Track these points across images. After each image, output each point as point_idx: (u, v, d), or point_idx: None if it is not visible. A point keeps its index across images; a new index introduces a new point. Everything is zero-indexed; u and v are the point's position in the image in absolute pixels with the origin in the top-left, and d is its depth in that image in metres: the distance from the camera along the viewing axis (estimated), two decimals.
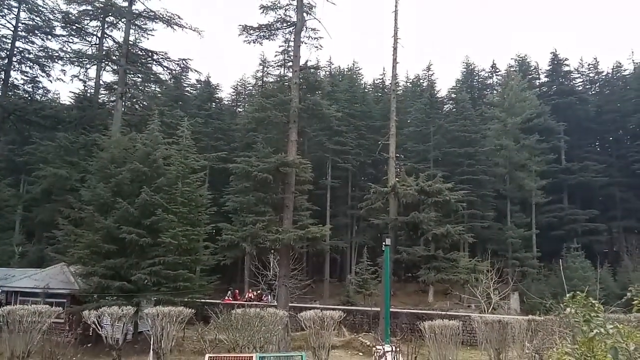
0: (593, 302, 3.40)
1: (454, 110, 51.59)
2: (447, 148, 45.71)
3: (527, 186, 42.92)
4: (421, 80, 60.98)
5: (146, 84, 42.79)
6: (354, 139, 47.80)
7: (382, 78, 60.69)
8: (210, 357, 8.10)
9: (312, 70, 31.41)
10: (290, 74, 29.97)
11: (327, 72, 56.83)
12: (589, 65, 60.10)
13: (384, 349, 10.62)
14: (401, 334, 21.91)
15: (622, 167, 49.75)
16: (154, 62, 38.75)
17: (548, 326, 10.85)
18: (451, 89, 60.94)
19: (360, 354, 19.45)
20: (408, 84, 64.06)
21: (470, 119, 47.36)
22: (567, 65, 57.37)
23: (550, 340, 7.91)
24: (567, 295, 3.71)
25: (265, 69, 55.24)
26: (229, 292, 33.73)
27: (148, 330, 15.79)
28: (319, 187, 45.93)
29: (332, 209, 46.15)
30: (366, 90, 60.28)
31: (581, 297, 3.42)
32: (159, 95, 45.09)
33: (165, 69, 38.78)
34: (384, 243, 16.35)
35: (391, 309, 24.32)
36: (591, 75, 60.37)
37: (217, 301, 25.16)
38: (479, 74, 64.73)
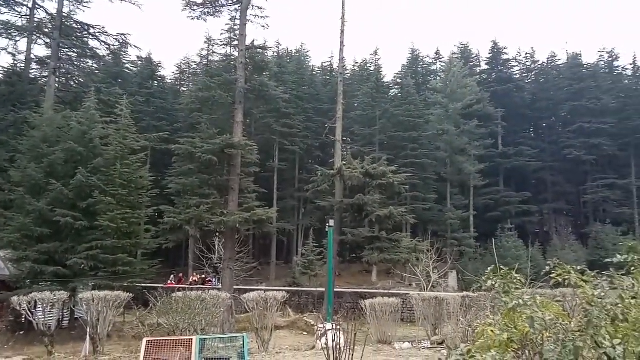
0: (515, 275, 3.61)
1: (400, 95, 52.56)
2: (393, 132, 46.60)
3: (466, 170, 44.77)
4: (368, 65, 61.54)
5: (82, 60, 40.43)
6: (301, 121, 47.66)
7: (330, 61, 60.79)
8: (148, 340, 7.91)
9: (259, 50, 30.86)
10: (236, 54, 29.26)
11: (275, 54, 56.06)
12: (526, 54, 63.01)
13: (325, 327, 10.85)
14: (345, 313, 22.42)
15: (553, 152, 52.86)
16: (91, 36, 36.65)
17: (481, 301, 11.47)
18: (397, 74, 62.04)
19: (305, 333, 19.72)
20: (355, 68, 64.47)
21: (415, 104, 48.45)
22: (506, 54, 59.83)
23: (482, 314, 8.35)
24: (489, 269, 3.91)
25: (210, 47, 53.57)
26: (172, 276, 33.04)
27: (85, 317, 15.21)
28: (266, 170, 45.60)
29: (279, 192, 46.06)
30: (314, 72, 60.15)
31: (505, 272, 3.63)
32: (96, 71, 42.74)
33: (103, 43, 36.83)
34: (327, 225, 16.53)
35: (335, 289, 24.81)
36: (528, 64, 63.34)
37: (160, 285, 24.55)
38: (424, 60, 66.16)
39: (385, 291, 24.51)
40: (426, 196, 44.32)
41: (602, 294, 3.05)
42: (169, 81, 56.82)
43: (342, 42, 28.59)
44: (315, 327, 12.32)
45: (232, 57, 38.05)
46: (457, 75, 48.25)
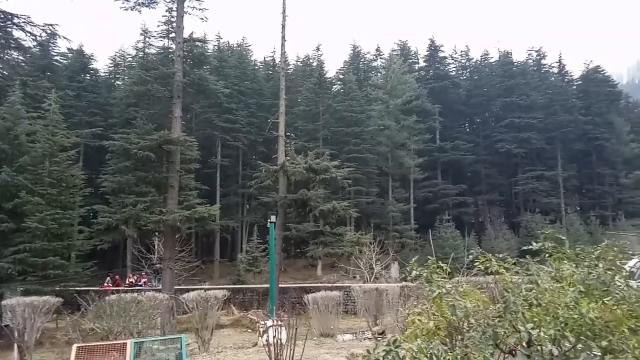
0: (441, 265, 3.74)
1: (342, 90, 53.08)
2: (336, 127, 47.00)
3: (406, 164, 46.03)
4: (311, 60, 61.61)
5: (5, 51, 37.57)
6: (244, 116, 47.00)
7: (273, 56, 60.33)
8: (79, 347, 7.50)
9: (197, 43, 30.08)
10: (174, 47, 28.32)
11: (216, 47, 54.83)
12: (461, 52, 65.68)
13: (266, 324, 10.79)
14: (289, 308, 22.47)
15: (487, 146, 55.48)
16: (15, 27, 34.02)
17: (419, 291, 11.83)
18: (339, 70, 62.53)
19: (249, 330, 19.56)
20: (298, 63, 64.40)
21: (357, 99, 49.11)
22: (443, 52, 62.05)
23: (419, 303, 8.62)
24: (412, 259, 4.03)
25: (147, 39, 51.43)
26: (109, 278, 31.58)
27: (12, 324, 14.22)
28: (209, 166, 44.67)
29: (222, 188, 45.29)
30: (257, 67, 59.42)
31: (431, 261, 3.74)
32: (22, 64, 39.89)
33: (28, 34, 34.22)
34: (269, 221, 16.44)
35: (280, 285, 24.78)
36: (463, 61, 66.06)
37: (95, 288, 23.42)
38: (365, 56, 67.23)
39: (330, 285, 24.76)
40: (369, 190, 45.14)
41: (519, 280, 3.24)
42: (103, 74, 54.04)
43: (283, 37, 28.39)
44: (257, 325, 12.25)
45: (170, 50, 36.87)
46: (397, 72, 49.44)
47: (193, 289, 19.65)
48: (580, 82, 61.18)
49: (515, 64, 60.18)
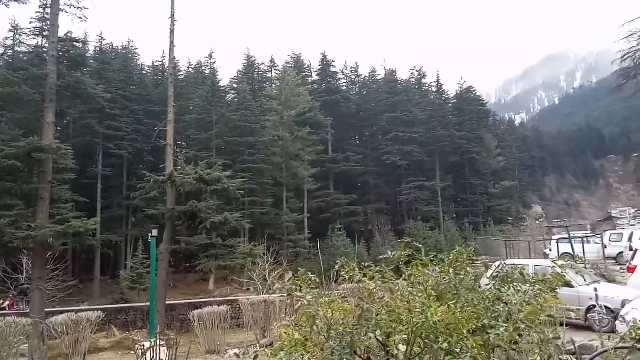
0: (311, 276, 3.84)
1: (236, 100, 52.59)
2: (230, 137, 46.30)
3: (300, 174, 46.81)
4: (203, 67, 60.22)
5: None
6: (130, 123, 44.38)
7: (162, 61, 57.75)
8: None
9: (75, 43, 27.73)
10: (48, 46, 25.81)
11: (97, 49, 51.12)
12: (351, 68, 68.85)
13: (144, 345, 10.18)
14: (177, 326, 21.47)
15: (375, 158, 58.57)
16: None
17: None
18: (233, 79, 62.01)
19: (132, 352, 18.23)
20: (190, 70, 62.52)
21: (251, 109, 48.96)
22: (334, 67, 64.53)
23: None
24: (290, 273, 4.10)
25: (17, 37, 46.38)
26: None
27: None
28: (89, 176, 41.39)
29: (104, 200, 42.09)
30: (144, 72, 56.55)
31: (301, 273, 3.83)
32: None
33: None
34: (150, 235, 15.60)
35: (168, 301, 23.57)
36: (353, 77, 69.30)
37: None
38: (259, 67, 67.44)
39: (221, 299, 24.13)
40: (263, 200, 45.05)
41: (377, 289, 3.45)
42: None
43: (172, 42, 27.25)
44: (136, 346, 11.49)
45: (44, 50, 33.58)
46: (291, 84, 50.24)
47: (66, 311, 17.92)
48: (455, 100, 67.55)
49: (400, 82, 64.57)
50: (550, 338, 3.29)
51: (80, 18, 26.64)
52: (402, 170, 56.40)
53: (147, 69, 58.73)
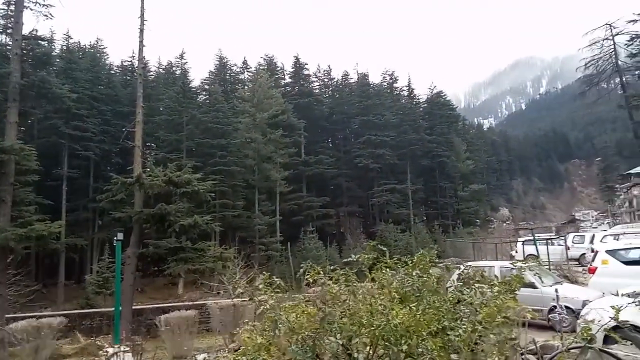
0: (275, 280, 3.82)
1: (208, 101, 52.02)
2: (200, 139, 45.73)
3: (272, 177, 46.60)
4: (174, 68, 59.33)
5: None
6: (97, 124, 43.28)
7: (132, 61, 56.59)
8: None
9: (40, 41, 27.03)
10: (11, 44, 24.94)
11: (64, 47, 49.71)
12: (324, 71, 69.09)
13: (108, 351, 9.92)
14: (144, 331, 21.02)
15: (347, 160, 58.86)
16: None
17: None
18: (204, 80, 61.32)
19: (96, 358, 17.78)
20: (161, 70, 61.49)
21: (223, 111, 48.52)
22: (307, 69, 64.59)
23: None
24: (261, 276, 4.08)
25: None
26: None
27: None
28: (54, 178, 40.16)
29: (69, 203, 40.84)
30: (113, 72, 55.30)
31: (265, 276, 3.81)
32: None
33: None
34: (115, 238, 15.24)
35: (135, 306, 23.04)
36: (326, 80, 69.53)
37: None
38: (232, 68, 66.93)
39: (190, 303, 23.77)
40: (235, 203, 44.61)
41: (340, 292, 3.47)
42: None
43: (141, 42, 26.77)
44: (100, 352, 11.19)
45: (7, 48, 32.43)
46: (264, 86, 50.03)
47: (28, 317, 17.30)
48: (426, 104, 68.64)
49: (372, 85, 65.21)
50: (506, 339, 3.38)
51: (46, 16, 25.96)
52: (374, 173, 56.84)
53: (115, 68, 57.44)
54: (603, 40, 47.41)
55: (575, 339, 3.21)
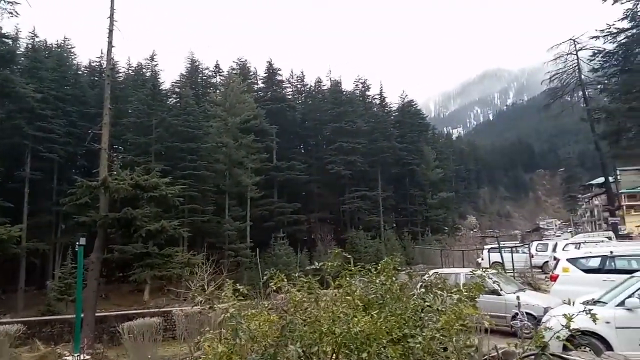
0: (239, 287, 3.79)
1: (178, 104, 51.31)
2: (170, 142, 44.98)
3: (243, 182, 46.24)
4: (144, 70, 58.25)
5: None
6: (62, 125, 42.11)
7: (100, 61, 55.31)
8: None
9: (4, 39, 26.15)
10: None
11: (29, 46, 48.19)
12: (297, 77, 69.25)
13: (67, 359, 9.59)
14: (107, 339, 20.44)
15: (319, 167, 59.00)
16: None
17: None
18: (175, 82, 60.45)
19: None
20: (130, 71, 60.27)
21: (194, 115, 47.95)
22: (280, 75, 64.55)
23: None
24: (228, 283, 4.04)
25: None
26: None
27: None
28: (14, 180, 38.77)
29: (31, 206, 39.42)
30: (80, 72, 53.93)
31: (229, 285, 3.78)
32: None
33: None
34: (77, 243, 14.80)
35: (98, 313, 22.38)
36: (299, 86, 69.67)
37: None
38: (203, 72, 66.26)
39: (156, 310, 23.22)
40: (205, 208, 44.07)
41: (303, 299, 3.47)
42: None
43: (110, 43, 26.21)
44: None
45: None
46: (236, 91, 49.70)
47: None
48: (397, 113, 69.61)
49: (344, 93, 65.65)
50: (464, 346, 3.45)
51: (11, 13, 25.28)
52: (345, 179, 57.12)
53: (83, 69, 55.99)
54: (567, 54, 49.30)
55: (529, 347, 3.31)
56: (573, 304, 4.57)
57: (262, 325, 3.41)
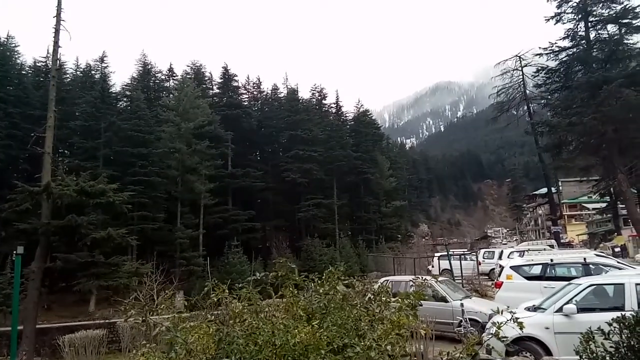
0: (179, 299, 3.72)
1: (129, 108, 49.75)
2: (120, 147, 43.44)
3: (197, 189, 45.30)
4: (93, 72, 56.13)
5: None
6: (3, 128, 39.95)
7: (46, 61, 52.83)
8: None
9: None
10: None
11: None
12: (254, 83, 68.88)
13: None
14: (49, 352, 19.44)
15: (275, 174, 58.68)
16: None
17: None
18: (126, 85, 58.56)
19: None
20: (78, 72, 57.92)
21: (145, 119, 46.63)
22: (237, 81, 63.87)
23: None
24: (181, 292, 3.94)
25: None
26: None
27: None
28: None
29: None
30: (24, 72, 51.35)
31: (168, 296, 3.70)
32: None
33: None
34: (15, 252, 14.06)
35: (39, 325, 21.24)
36: (255, 93, 69.30)
37: None
38: (156, 75, 64.62)
39: (101, 321, 22.27)
40: (155, 215, 42.75)
41: (243, 311, 3.46)
42: None
43: (56, 42, 25.14)
44: None
45: None
46: (190, 95, 48.77)
47: None
48: (352, 122, 70.55)
49: (301, 101, 65.86)
50: (399, 354, 3.53)
51: None
52: (301, 187, 57.09)
53: (27, 68, 53.25)
54: (513, 70, 51.87)
55: (461, 355, 3.43)
56: (502, 313, 4.76)
57: (201, 339, 3.36)
